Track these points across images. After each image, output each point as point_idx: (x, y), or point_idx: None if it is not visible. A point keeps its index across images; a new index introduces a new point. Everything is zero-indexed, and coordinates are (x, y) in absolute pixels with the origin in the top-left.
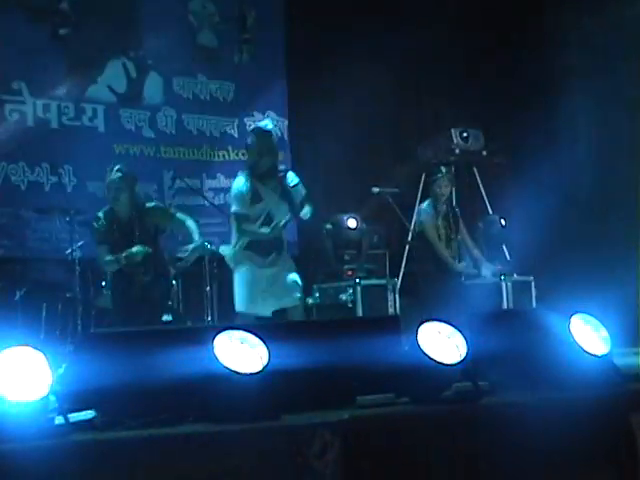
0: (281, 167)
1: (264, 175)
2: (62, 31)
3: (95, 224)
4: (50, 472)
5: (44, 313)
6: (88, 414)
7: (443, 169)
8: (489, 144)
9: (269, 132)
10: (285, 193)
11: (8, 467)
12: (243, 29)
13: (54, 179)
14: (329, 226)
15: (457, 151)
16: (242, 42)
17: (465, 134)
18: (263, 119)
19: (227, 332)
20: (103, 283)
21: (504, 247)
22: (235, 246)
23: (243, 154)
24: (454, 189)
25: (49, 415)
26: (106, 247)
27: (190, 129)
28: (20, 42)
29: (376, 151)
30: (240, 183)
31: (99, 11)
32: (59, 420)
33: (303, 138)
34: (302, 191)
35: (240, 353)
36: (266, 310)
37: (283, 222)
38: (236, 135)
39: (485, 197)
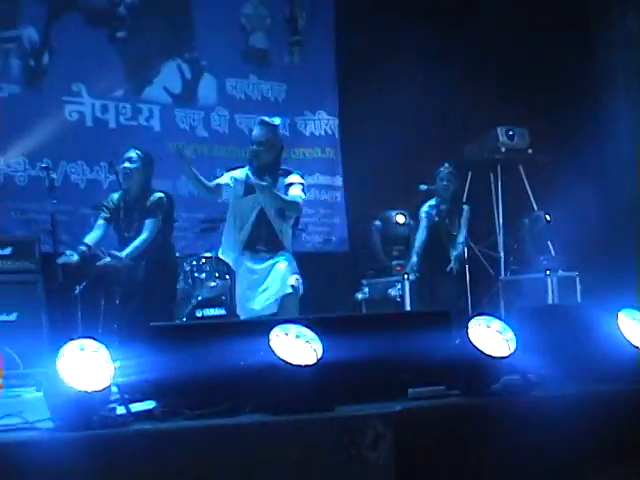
0: (288, 168)
1: (263, 169)
2: (119, 34)
3: (105, 202)
4: (112, 460)
5: (103, 306)
6: (148, 404)
7: (447, 164)
8: (534, 143)
9: (276, 126)
10: (279, 190)
11: (73, 454)
12: (294, 31)
13: (112, 177)
14: (378, 222)
15: (503, 149)
16: (293, 44)
17: (511, 132)
18: (315, 118)
19: (283, 326)
20: None
21: (549, 243)
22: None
23: (294, 152)
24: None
25: (111, 405)
26: (101, 224)
27: (242, 129)
28: (79, 45)
29: (423, 149)
30: (237, 173)
31: (154, 15)
32: (121, 410)
33: (353, 136)
34: (293, 193)
35: (295, 346)
36: (256, 304)
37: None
38: (288, 134)
39: (530, 194)
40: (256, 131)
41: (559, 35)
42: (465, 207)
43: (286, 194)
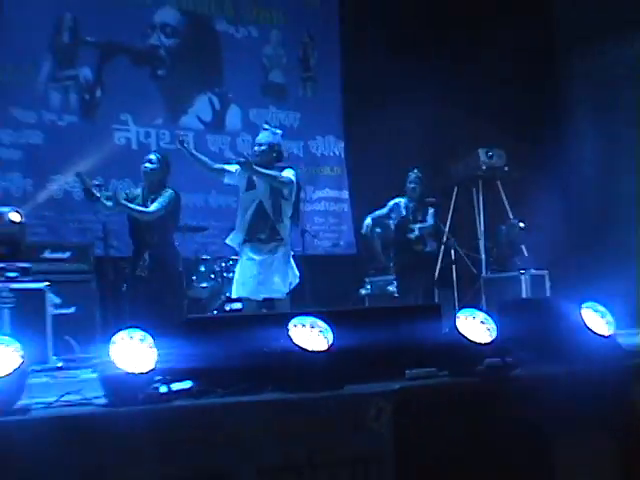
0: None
1: (262, 167)
2: (160, 72)
3: (127, 191)
4: (155, 431)
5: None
6: (186, 384)
7: (415, 170)
8: (510, 161)
9: (275, 133)
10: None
11: (123, 426)
12: (306, 68)
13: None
14: (378, 230)
15: (483, 167)
16: (306, 79)
17: (490, 153)
18: (325, 142)
19: (299, 317)
20: (194, 277)
21: (523, 246)
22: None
23: (308, 170)
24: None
25: (155, 385)
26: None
27: None
28: (126, 82)
29: (416, 167)
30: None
31: (189, 56)
32: (163, 389)
33: (357, 157)
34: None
35: (310, 335)
36: (256, 294)
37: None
38: (302, 155)
39: (507, 205)
40: (260, 135)
41: (531, 70)
42: (430, 209)
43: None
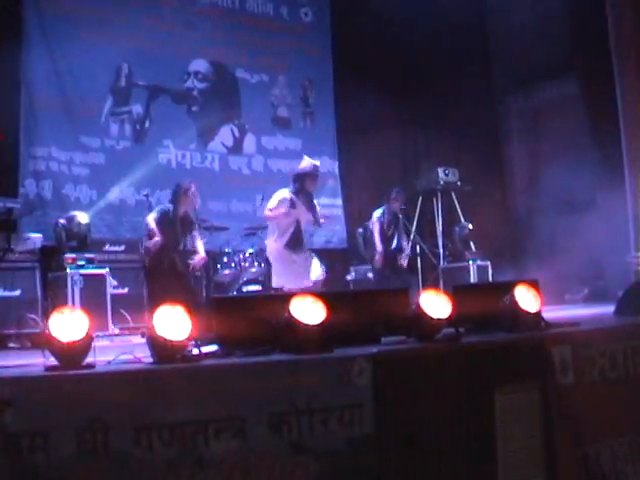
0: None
1: (300, 193)
2: (193, 108)
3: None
4: (189, 383)
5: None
6: (213, 347)
7: (395, 189)
8: (462, 177)
9: (317, 167)
10: (312, 207)
11: (164, 379)
12: (307, 105)
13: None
14: (360, 230)
15: (441, 182)
16: (306, 114)
17: (447, 171)
18: (321, 161)
19: (299, 297)
20: (218, 266)
21: (471, 243)
22: (276, 241)
23: None
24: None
25: (189, 347)
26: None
27: (272, 168)
28: (168, 115)
29: (391, 182)
30: (284, 194)
31: (215, 96)
32: (195, 351)
33: (347, 174)
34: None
35: (308, 309)
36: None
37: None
38: None
39: (459, 211)
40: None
41: (478, 107)
42: (400, 216)
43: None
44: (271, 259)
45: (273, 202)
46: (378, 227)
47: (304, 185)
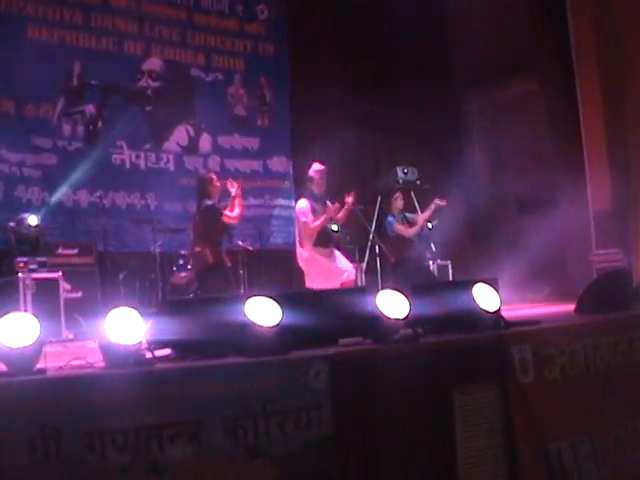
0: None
1: (318, 198)
2: (147, 108)
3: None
4: (142, 387)
5: (137, 287)
6: (167, 351)
7: (398, 192)
8: (422, 176)
9: (324, 169)
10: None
11: (116, 384)
12: (263, 103)
13: (143, 202)
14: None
15: (400, 181)
16: (263, 112)
17: (405, 170)
18: (278, 161)
19: (254, 299)
20: (174, 268)
21: (431, 242)
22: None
23: (266, 182)
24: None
25: (142, 352)
26: None
27: (230, 168)
28: (121, 115)
29: (349, 180)
30: (303, 204)
31: (170, 95)
32: (149, 355)
33: (303, 173)
34: None
35: (262, 311)
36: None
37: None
38: (261, 171)
39: (418, 210)
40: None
41: (438, 105)
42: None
43: None
44: (302, 265)
45: (306, 213)
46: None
47: (312, 189)
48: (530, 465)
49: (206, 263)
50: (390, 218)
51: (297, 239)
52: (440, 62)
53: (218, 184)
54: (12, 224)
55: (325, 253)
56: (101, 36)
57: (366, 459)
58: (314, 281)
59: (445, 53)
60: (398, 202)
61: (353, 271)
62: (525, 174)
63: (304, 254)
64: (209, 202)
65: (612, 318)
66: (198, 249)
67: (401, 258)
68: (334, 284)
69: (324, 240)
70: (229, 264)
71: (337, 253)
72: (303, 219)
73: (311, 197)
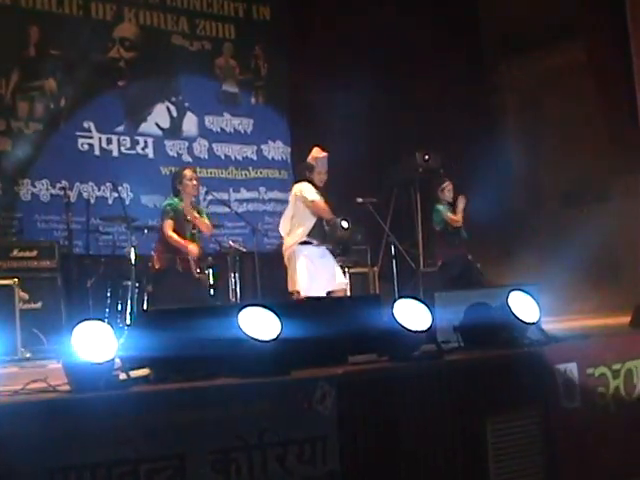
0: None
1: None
2: (120, 83)
3: None
4: (115, 415)
5: (108, 296)
6: (144, 372)
7: (446, 183)
8: (445, 164)
9: (326, 155)
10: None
11: (84, 410)
12: (258, 78)
13: (115, 195)
14: (327, 227)
15: (420, 170)
16: (257, 88)
17: (427, 156)
18: (274, 147)
19: (249, 308)
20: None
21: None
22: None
23: (261, 172)
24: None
25: (115, 372)
26: None
27: (219, 155)
28: (89, 91)
29: (360, 170)
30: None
31: (148, 67)
32: (123, 376)
33: (303, 160)
34: None
35: (259, 324)
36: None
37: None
38: (255, 158)
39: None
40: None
41: (463, 81)
42: None
43: None
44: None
45: (310, 192)
46: None
47: (312, 180)
48: None
49: (153, 268)
50: (440, 206)
51: (286, 229)
52: (466, 27)
53: (194, 182)
54: None
55: (316, 252)
56: None
57: None
58: (296, 281)
59: (472, 16)
60: (445, 193)
61: (346, 283)
62: (569, 162)
63: (290, 246)
64: (169, 201)
65: None
66: (152, 252)
67: (450, 256)
68: (319, 289)
69: (319, 235)
70: (195, 272)
71: (330, 256)
72: (310, 197)
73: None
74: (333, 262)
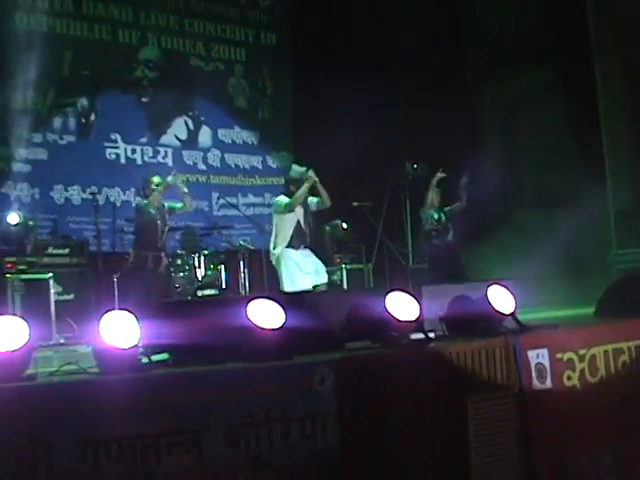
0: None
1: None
2: (144, 99)
3: None
4: (138, 394)
5: (132, 288)
6: (164, 356)
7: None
8: (432, 171)
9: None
10: (306, 210)
11: (111, 390)
12: (264, 96)
13: (138, 198)
14: (328, 228)
15: (410, 177)
16: (264, 105)
17: (415, 165)
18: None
19: (256, 300)
20: (171, 268)
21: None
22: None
23: (265, 180)
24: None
25: (138, 357)
26: None
27: (230, 164)
28: (116, 107)
29: (355, 178)
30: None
31: (168, 85)
32: (145, 360)
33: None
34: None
35: (266, 314)
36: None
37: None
38: (260, 167)
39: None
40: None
41: (447, 96)
42: None
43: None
44: (275, 264)
45: (283, 199)
46: None
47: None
48: (547, 477)
49: (127, 264)
50: (427, 210)
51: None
52: (452, 52)
53: (159, 187)
54: None
55: (298, 254)
56: (93, 24)
57: (374, 469)
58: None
59: (457, 43)
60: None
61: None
62: (542, 169)
63: (276, 252)
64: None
65: (635, 322)
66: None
67: (436, 254)
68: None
69: (300, 239)
70: (160, 268)
71: (313, 256)
72: (286, 200)
73: (291, 195)
74: (316, 260)
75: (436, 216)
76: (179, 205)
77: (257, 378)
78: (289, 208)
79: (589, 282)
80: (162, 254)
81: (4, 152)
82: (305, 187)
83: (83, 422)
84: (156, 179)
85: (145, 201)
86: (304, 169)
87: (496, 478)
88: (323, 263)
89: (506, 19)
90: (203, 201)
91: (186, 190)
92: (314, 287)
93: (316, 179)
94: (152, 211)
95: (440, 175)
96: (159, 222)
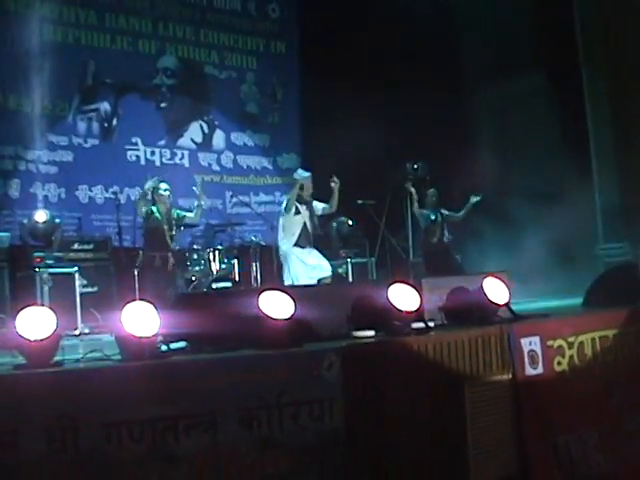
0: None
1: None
2: (162, 105)
3: None
4: (158, 379)
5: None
6: (182, 344)
7: (431, 190)
8: (431, 171)
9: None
10: (312, 213)
11: (132, 375)
12: (275, 101)
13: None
14: (334, 224)
15: (410, 177)
16: (274, 109)
17: (415, 166)
18: (288, 158)
19: (268, 292)
20: (188, 263)
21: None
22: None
23: (276, 180)
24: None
25: (158, 344)
26: None
27: (242, 165)
28: (136, 112)
29: (360, 178)
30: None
31: (185, 92)
32: (164, 347)
33: (314, 169)
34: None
35: (276, 305)
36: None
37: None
38: (271, 168)
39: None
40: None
41: (446, 100)
42: None
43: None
44: (282, 259)
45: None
46: None
47: (300, 193)
48: (539, 456)
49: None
50: (424, 211)
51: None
52: (449, 60)
53: (166, 193)
54: (25, 221)
55: (304, 251)
56: (115, 35)
57: (378, 450)
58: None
59: (453, 50)
60: (431, 198)
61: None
62: (533, 166)
63: (282, 247)
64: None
65: (620, 311)
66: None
67: (432, 250)
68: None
69: (306, 239)
70: (169, 267)
71: (316, 252)
72: (287, 204)
73: (299, 199)
74: (319, 255)
75: (432, 217)
76: (189, 215)
77: (269, 364)
78: (287, 208)
79: (578, 274)
80: (169, 254)
81: (33, 155)
82: (294, 190)
83: (107, 405)
84: (164, 185)
85: (153, 207)
86: (308, 174)
87: (491, 455)
88: (328, 258)
89: (503, 25)
90: (217, 199)
91: (203, 202)
92: (319, 280)
93: (335, 183)
94: (159, 217)
95: (474, 199)
96: (165, 227)
